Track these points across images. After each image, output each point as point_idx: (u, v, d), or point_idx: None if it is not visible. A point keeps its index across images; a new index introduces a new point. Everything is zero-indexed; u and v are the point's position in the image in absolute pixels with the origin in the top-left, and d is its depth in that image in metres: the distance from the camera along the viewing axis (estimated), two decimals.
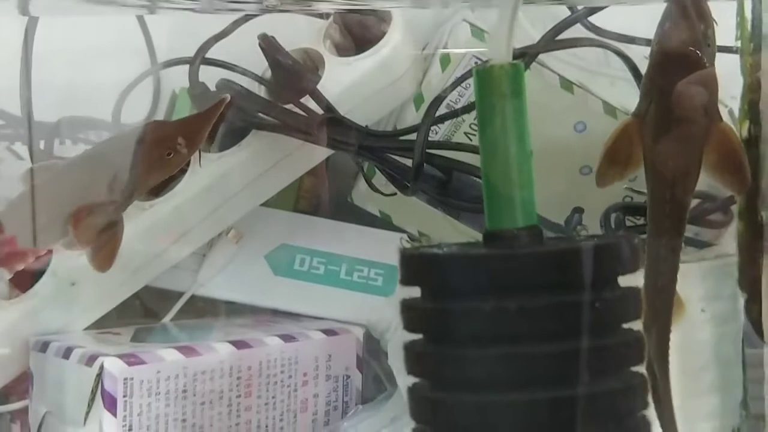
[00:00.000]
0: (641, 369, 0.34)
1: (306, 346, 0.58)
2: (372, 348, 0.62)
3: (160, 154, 0.53)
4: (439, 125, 0.61)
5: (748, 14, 0.48)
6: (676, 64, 0.44)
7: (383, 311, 0.62)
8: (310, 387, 0.58)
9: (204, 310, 0.65)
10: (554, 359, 0.33)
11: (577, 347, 0.33)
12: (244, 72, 0.56)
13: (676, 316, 0.47)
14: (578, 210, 0.60)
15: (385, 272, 0.64)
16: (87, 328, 0.59)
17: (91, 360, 0.51)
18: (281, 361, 0.57)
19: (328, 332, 0.59)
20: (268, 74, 0.58)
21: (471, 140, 0.61)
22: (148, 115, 0.65)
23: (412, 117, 0.62)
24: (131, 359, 0.51)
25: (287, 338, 0.57)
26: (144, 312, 0.64)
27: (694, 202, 0.54)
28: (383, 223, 0.65)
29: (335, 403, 0.59)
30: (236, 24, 0.57)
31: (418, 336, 0.35)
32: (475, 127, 0.60)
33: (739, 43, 0.48)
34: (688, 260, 0.52)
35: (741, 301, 0.50)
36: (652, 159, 0.45)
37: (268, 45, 0.54)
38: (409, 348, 0.35)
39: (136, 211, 0.57)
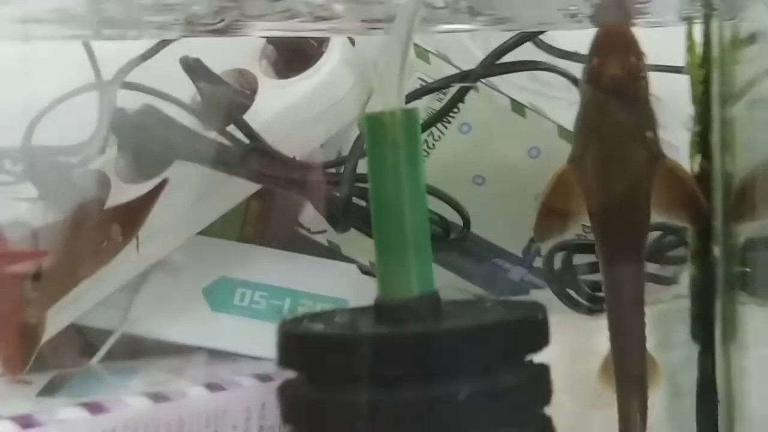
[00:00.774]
0: None
1: (236, 395, 0.53)
2: None
3: (94, 243, 0.49)
4: None
5: (697, 38, 0.43)
6: (612, 102, 0.40)
7: None
8: None
9: (139, 349, 0.61)
10: None
11: None
12: (168, 98, 0.52)
13: (653, 379, 0.43)
14: (534, 240, 0.56)
15: (331, 307, 0.60)
16: None
17: None
18: (206, 414, 0.52)
19: (263, 377, 0.55)
20: None
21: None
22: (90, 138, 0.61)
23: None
24: (27, 421, 0.46)
25: (214, 387, 0.53)
26: (85, 350, 0.61)
27: (652, 235, 0.51)
28: (333, 253, 0.61)
29: None
30: (161, 45, 0.53)
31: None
32: (426, 153, 0.57)
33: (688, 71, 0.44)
34: None
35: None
36: (595, 208, 0.41)
37: (191, 68, 0.50)
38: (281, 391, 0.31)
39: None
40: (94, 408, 0.48)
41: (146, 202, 0.50)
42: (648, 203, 0.42)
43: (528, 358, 0.30)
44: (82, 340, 0.60)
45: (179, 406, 0.50)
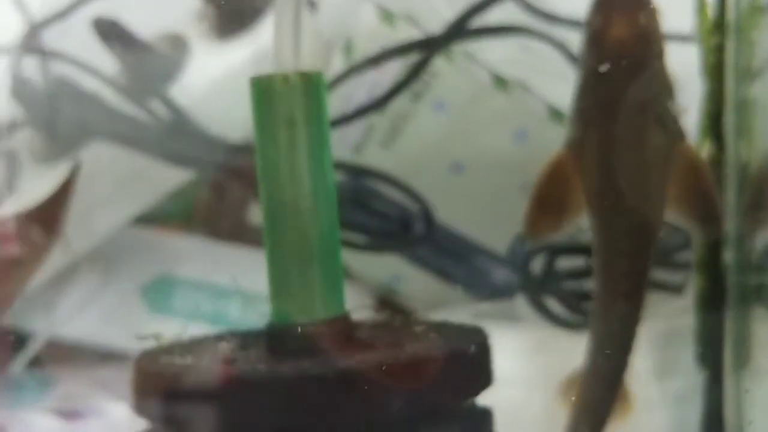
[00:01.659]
0: None
1: None
2: None
3: (14, 255, 0.44)
4: (348, 130, 0.49)
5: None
6: (617, 70, 0.32)
7: None
8: None
9: (70, 354, 0.53)
10: None
11: None
12: (85, 67, 0.44)
13: (621, 414, 0.35)
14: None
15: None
16: None
17: None
18: None
19: None
20: None
21: (387, 149, 0.51)
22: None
23: (340, 65, 0.50)
24: None
25: None
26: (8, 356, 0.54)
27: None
28: None
29: None
30: (79, 3, 0.45)
31: None
32: (391, 135, 0.50)
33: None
34: None
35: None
36: (597, 201, 0.33)
37: (106, 32, 0.42)
38: None
39: None
40: None
41: (62, 193, 0.44)
42: (662, 199, 0.34)
43: (465, 402, 0.23)
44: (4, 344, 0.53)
45: (95, 425, 0.44)
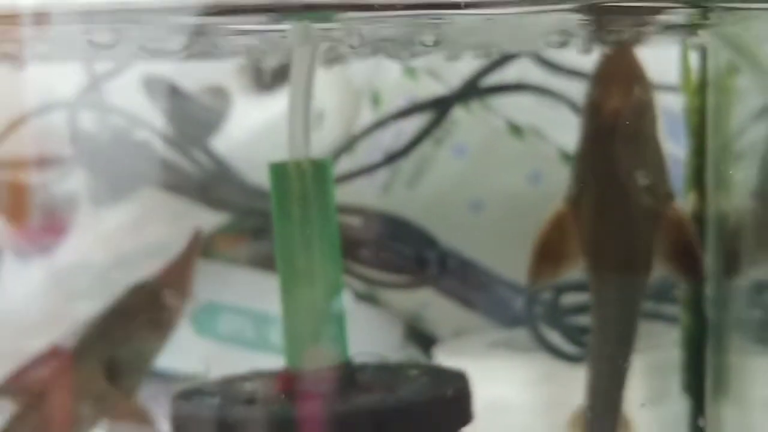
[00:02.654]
0: None
1: None
2: None
3: (151, 321, 0.44)
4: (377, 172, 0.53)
5: (693, 64, 0.39)
6: (612, 138, 0.35)
7: None
8: None
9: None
10: None
11: None
12: (135, 119, 0.49)
13: None
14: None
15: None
16: None
17: None
18: None
19: None
20: None
21: (413, 190, 0.54)
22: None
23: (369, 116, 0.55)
24: None
25: None
26: None
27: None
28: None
29: None
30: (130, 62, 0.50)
31: None
32: (416, 176, 0.54)
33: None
34: None
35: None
36: (591, 253, 0.37)
37: (155, 88, 0.47)
38: None
39: (17, 271, 0.51)
40: None
41: (187, 259, 0.44)
42: (649, 257, 0.37)
43: None
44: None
45: None
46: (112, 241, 0.51)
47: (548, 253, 0.38)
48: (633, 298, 0.37)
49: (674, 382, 0.43)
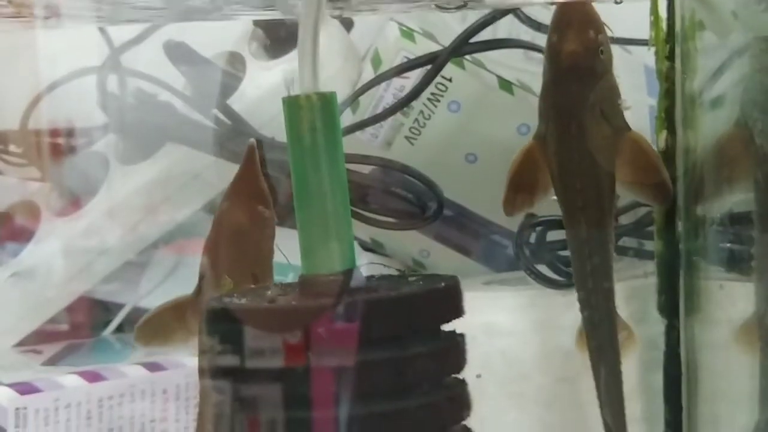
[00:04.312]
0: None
1: None
2: None
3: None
4: (380, 128, 0.58)
5: (662, 12, 0.43)
6: (570, 78, 0.40)
7: None
8: None
9: None
10: (359, 425, 0.30)
11: (387, 410, 0.30)
12: (158, 82, 0.54)
13: (628, 347, 0.44)
14: (531, 215, 0.57)
15: None
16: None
17: None
18: None
19: None
20: None
21: (413, 144, 0.58)
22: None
23: (348, 122, 0.59)
24: (25, 387, 0.49)
25: None
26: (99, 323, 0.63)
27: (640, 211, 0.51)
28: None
29: None
30: (151, 29, 0.55)
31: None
32: (415, 131, 0.58)
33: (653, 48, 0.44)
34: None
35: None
36: (559, 183, 0.41)
37: (174, 53, 0.51)
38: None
39: (53, 227, 0.56)
40: (92, 376, 0.50)
41: (249, 165, 0.43)
42: (612, 179, 0.42)
43: (442, 326, 0.32)
44: (97, 313, 0.62)
45: (176, 374, 0.52)
46: (142, 195, 0.55)
47: (520, 184, 0.42)
48: (601, 219, 0.42)
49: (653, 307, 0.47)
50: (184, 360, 0.54)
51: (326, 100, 0.32)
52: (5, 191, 0.58)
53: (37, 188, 0.57)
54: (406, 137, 0.57)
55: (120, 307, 0.61)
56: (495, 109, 0.56)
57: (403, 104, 0.54)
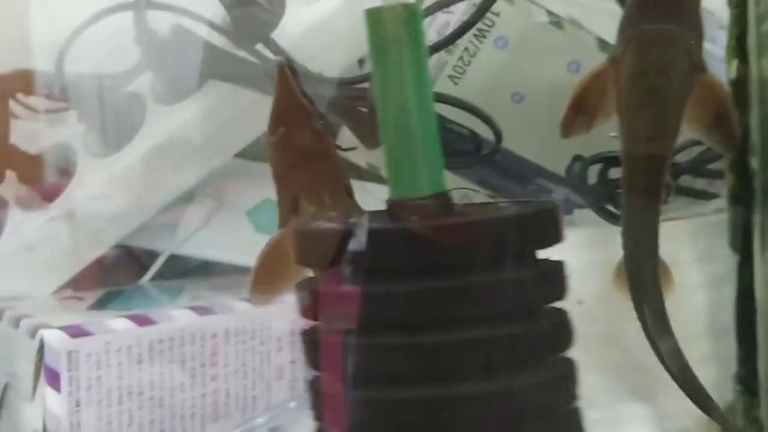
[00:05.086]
0: (568, 356, 0.29)
1: (280, 309, 0.53)
2: None
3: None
4: None
5: None
6: (657, 3, 0.38)
7: None
8: (286, 353, 0.54)
9: (188, 269, 0.62)
10: (460, 350, 0.28)
11: (489, 335, 0.28)
12: (197, 17, 0.52)
13: (666, 287, 0.42)
14: (578, 158, 0.55)
15: None
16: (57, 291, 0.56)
17: (33, 331, 0.48)
18: (252, 327, 0.53)
19: None
20: None
21: (456, 84, 0.57)
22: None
23: None
24: (76, 330, 0.48)
25: None
26: (138, 271, 0.62)
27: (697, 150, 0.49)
28: (371, 175, 0.61)
29: None
30: None
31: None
32: (459, 70, 0.56)
33: None
34: (677, 216, 0.47)
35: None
36: (625, 110, 0.39)
37: None
38: (306, 335, 0.31)
39: (92, 169, 0.54)
40: (141, 320, 0.49)
41: (285, 86, 0.40)
42: (679, 116, 0.40)
43: (541, 253, 0.30)
44: (134, 261, 0.61)
45: (225, 319, 0.51)
46: (182, 136, 0.53)
47: (584, 105, 0.40)
48: (661, 153, 0.40)
49: (721, 245, 0.45)
50: (233, 303, 0.52)
51: (411, 11, 0.30)
52: (37, 135, 0.56)
53: (73, 131, 0.55)
54: (450, 76, 0.56)
55: (156, 255, 0.59)
56: (544, 46, 0.54)
57: (448, 41, 0.52)
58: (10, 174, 0.54)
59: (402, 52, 0.31)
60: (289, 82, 0.40)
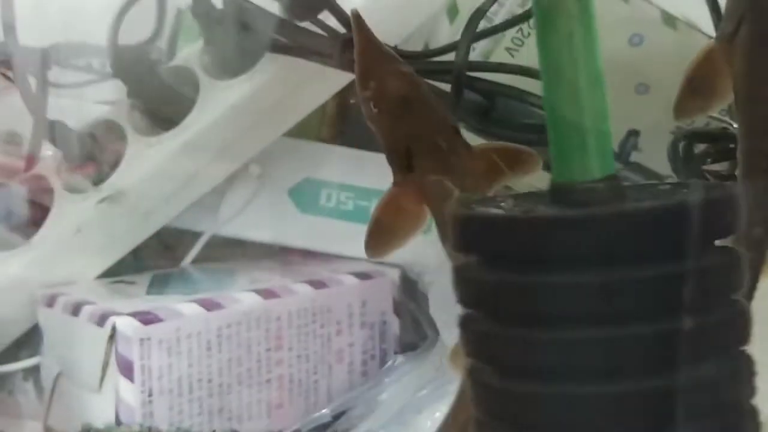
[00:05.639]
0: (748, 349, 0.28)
1: (338, 292, 0.52)
2: (409, 290, 0.57)
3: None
4: (475, 42, 0.54)
5: None
6: None
7: (420, 249, 0.56)
8: (345, 336, 0.53)
9: (227, 250, 0.59)
10: (647, 342, 0.27)
11: (674, 327, 0.27)
12: None
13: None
14: (633, 133, 0.54)
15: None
16: (99, 276, 0.54)
17: (102, 319, 0.46)
18: (312, 310, 0.51)
19: (362, 276, 0.54)
20: None
21: (513, 57, 0.55)
22: (151, 36, 0.58)
23: (447, 32, 0.55)
24: (147, 317, 0.46)
25: (318, 285, 0.52)
26: (164, 252, 0.59)
27: None
28: None
29: (372, 351, 0.54)
30: None
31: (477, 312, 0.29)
32: (517, 42, 0.55)
33: None
34: None
35: None
36: (745, 90, 0.37)
37: None
38: (469, 326, 0.29)
39: (143, 149, 0.52)
40: (210, 304, 0.47)
41: (362, 34, 0.39)
42: None
43: (717, 241, 0.29)
44: (174, 241, 0.58)
45: (288, 301, 0.50)
46: (238, 112, 0.51)
47: (698, 87, 0.39)
48: None
49: None
50: (293, 286, 0.51)
51: None
52: (82, 110, 0.53)
53: (118, 108, 0.53)
54: (507, 48, 0.54)
55: (198, 235, 0.57)
56: (608, 18, 0.53)
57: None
58: (56, 154, 0.51)
59: (573, 27, 0.29)
60: (367, 31, 0.39)
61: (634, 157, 0.56)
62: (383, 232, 0.40)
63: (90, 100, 0.54)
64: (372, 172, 0.58)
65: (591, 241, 0.27)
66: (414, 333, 0.57)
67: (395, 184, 0.39)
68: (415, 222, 0.40)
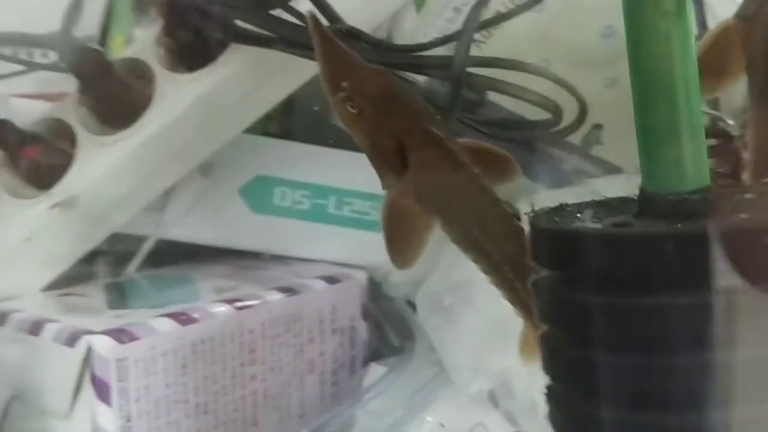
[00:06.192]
0: None
1: (309, 298, 0.49)
2: (374, 293, 0.54)
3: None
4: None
5: None
6: None
7: (383, 250, 0.53)
8: (317, 344, 0.50)
9: (174, 255, 0.55)
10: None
11: None
12: None
13: None
14: (598, 127, 0.53)
15: (380, 205, 0.55)
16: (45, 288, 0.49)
17: (72, 339, 0.41)
18: (284, 319, 0.48)
19: (330, 280, 0.51)
20: None
21: (480, 48, 0.53)
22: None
23: (412, 22, 0.53)
24: (121, 335, 0.42)
25: (287, 291, 0.49)
26: (104, 258, 0.55)
27: None
28: None
29: (342, 359, 0.51)
30: None
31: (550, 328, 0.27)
32: (485, 34, 0.53)
33: None
34: None
35: None
36: (762, 74, 0.37)
37: None
38: (553, 349, 0.27)
39: (96, 149, 0.47)
40: (183, 319, 0.44)
41: (323, 40, 0.37)
42: None
43: None
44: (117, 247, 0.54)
45: (260, 311, 0.47)
46: (199, 108, 0.47)
47: (709, 66, 0.38)
48: None
49: None
50: (262, 293, 0.48)
51: None
52: (25, 110, 0.49)
53: (65, 105, 0.48)
54: (481, 36, 0.52)
55: (142, 239, 0.53)
56: (581, 8, 0.51)
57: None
58: None
59: (669, 26, 0.27)
60: (326, 32, 0.37)
61: (596, 150, 0.55)
62: (400, 243, 0.38)
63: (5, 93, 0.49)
64: (327, 169, 0.55)
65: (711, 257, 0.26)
66: (378, 338, 0.55)
67: (388, 188, 0.37)
68: (425, 220, 0.38)
